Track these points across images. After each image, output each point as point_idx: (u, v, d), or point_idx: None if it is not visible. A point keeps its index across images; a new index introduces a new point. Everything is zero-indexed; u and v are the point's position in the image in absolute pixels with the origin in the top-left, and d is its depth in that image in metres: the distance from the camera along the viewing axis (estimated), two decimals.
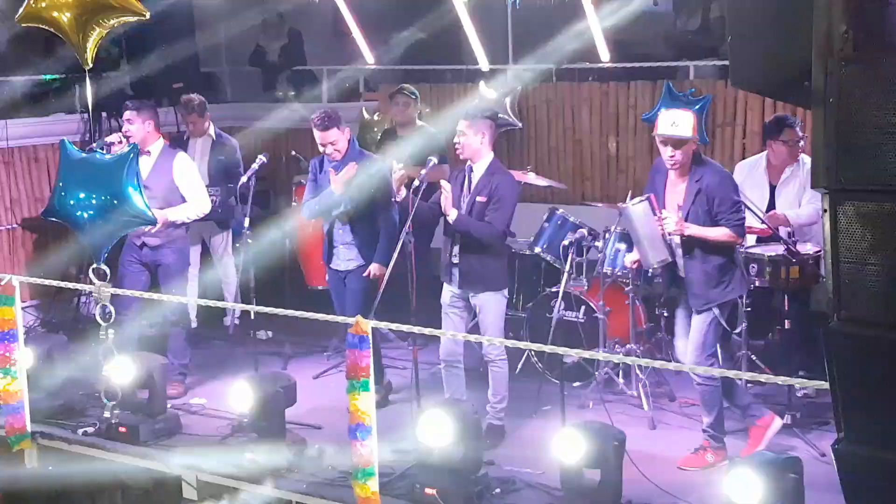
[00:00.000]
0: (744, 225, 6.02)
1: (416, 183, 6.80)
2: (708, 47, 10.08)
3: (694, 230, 5.87)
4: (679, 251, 6.02)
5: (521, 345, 6.63)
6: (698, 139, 6.10)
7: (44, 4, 5.97)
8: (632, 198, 6.47)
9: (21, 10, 6.17)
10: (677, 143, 5.86)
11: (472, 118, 6.56)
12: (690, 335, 6.05)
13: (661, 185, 6.10)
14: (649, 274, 7.11)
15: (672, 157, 5.90)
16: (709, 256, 5.93)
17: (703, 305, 5.96)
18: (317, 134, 6.95)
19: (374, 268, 6.97)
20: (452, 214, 6.42)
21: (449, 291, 6.62)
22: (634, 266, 6.64)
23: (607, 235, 7.42)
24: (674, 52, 10.50)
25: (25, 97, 9.60)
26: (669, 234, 5.93)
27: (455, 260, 6.52)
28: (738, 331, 6.75)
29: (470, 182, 6.59)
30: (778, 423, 6.11)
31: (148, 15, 6.20)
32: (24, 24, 6.31)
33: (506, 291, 6.60)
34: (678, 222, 5.86)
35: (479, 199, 6.48)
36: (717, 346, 6.22)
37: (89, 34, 6.11)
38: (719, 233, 5.88)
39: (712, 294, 5.94)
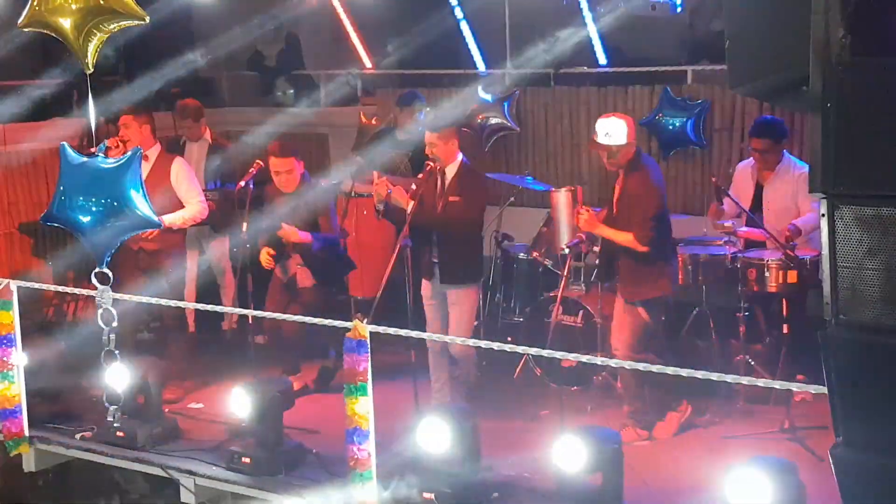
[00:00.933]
0: (649, 234, 6.26)
1: (414, 187, 6.83)
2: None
3: (603, 230, 6.43)
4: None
5: (520, 349, 6.61)
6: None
7: (45, 9, 5.97)
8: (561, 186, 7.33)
9: (24, 16, 6.17)
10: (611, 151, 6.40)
11: (438, 128, 6.84)
12: (617, 329, 6.50)
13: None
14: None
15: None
16: (629, 255, 6.35)
17: (628, 300, 6.40)
18: (273, 161, 7.06)
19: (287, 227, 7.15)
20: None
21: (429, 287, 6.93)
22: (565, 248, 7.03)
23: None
24: (680, 56, 10.51)
25: (23, 102, 9.60)
26: (581, 229, 6.53)
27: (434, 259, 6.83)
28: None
29: (443, 184, 6.78)
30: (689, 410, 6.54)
31: (147, 19, 6.19)
32: (25, 30, 6.30)
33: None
34: (590, 220, 6.38)
35: (451, 199, 6.72)
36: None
37: (90, 39, 6.11)
38: (624, 237, 6.31)
39: (636, 292, 6.37)
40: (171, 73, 9.36)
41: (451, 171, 6.78)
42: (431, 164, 6.86)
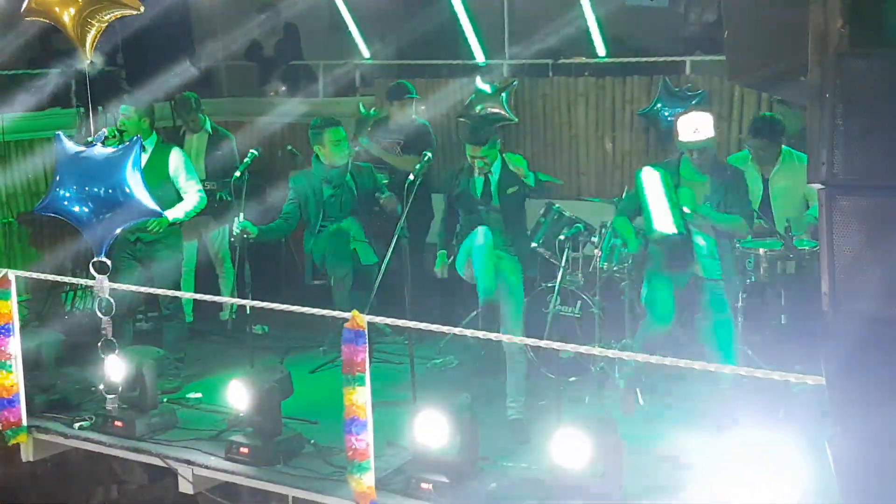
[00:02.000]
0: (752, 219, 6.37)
1: (412, 177, 6.83)
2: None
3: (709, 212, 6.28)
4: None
5: (517, 339, 6.62)
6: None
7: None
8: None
9: (24, 5, 6.17)
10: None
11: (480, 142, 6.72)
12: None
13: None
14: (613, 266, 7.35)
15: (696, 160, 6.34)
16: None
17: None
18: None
19: None
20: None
21: None
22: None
23: (603, 231, 7.42)
24: (678, 46, 10.48)
25: (21, 91, 9.58)
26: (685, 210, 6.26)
27: None
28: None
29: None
30: None
31: (143, 9, 6.19)
32: (26, 19, 6.31)
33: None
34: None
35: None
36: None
37: (87, 29, 6.11)
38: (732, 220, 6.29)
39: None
40: (169, 62, 9.34)
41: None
42: (429, 155, 6.88)
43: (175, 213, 7.36)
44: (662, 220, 6.29)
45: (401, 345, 7.65)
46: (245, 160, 7.65)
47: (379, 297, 6.83)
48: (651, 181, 6.38)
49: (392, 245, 6.77)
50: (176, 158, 7.49)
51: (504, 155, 6.75)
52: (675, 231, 6.28)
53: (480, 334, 6.04)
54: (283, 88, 11.34)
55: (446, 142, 9.62)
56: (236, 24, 11.14)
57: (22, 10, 6.29)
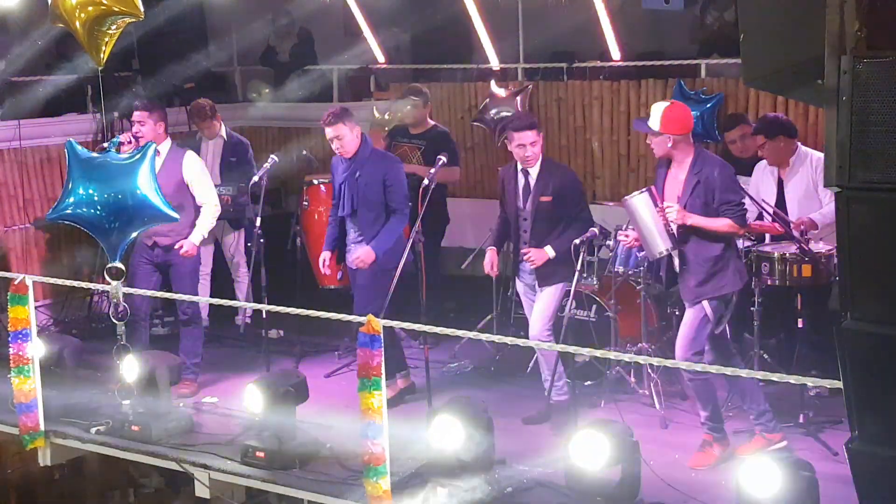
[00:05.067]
0: (745, 216, 6.08)
1: (426, 182, 6.84)
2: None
3: (696, 220, 5.94)
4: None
5: (532, 343, 6.63)
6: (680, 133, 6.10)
7: (61, 9, 6.05)
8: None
9: (50, 11, 6.24)
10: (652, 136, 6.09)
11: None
12: (680, 329, 6.13)
13: (661, 178, 6.21)
14: (628, 270, 7.24)
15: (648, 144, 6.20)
16: (702, 250, 6.00)
17: (693, 299, 6.03)
18: (326, 131, 6.99)
19: (362, 252, 6.98)
20: None
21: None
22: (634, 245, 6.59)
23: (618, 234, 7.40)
24: (693, 49, 10.47)
25: (38, 97, 9.63)
26: (673, 223, 5.98)
27: None
28: (721, 328, 6.72)
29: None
30: (783, 443, 6.09)
31: (143, 16, 6.21)
32: (53, 25, 6.38)
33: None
34: (680, 211, 5.94)
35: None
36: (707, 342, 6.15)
37: (97, 37, 6.15)
38: (721, 223, 5.95)
39: (704, 288, 6.00)
40: (184, 68, 9.38)
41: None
42: (443, 159, 6.86)
43: (199, 234, 7.42)
44: None
45: (416, 349, 7.66)
46: (265, 165, 7.66)
47: (394, 302, 6.84)
48: None
49: (407, 249, 6.77)
50: (190, 162, 7.51)
51: None
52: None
53: (496, 338, 6.05)
54: (267, 91, 11.34)
55: (462, 146, 9.62)
56: (251, 29, 11.16)
57: (48, 16, 6.36)
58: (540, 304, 6.74)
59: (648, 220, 6.02)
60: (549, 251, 6.63)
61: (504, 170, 6.94)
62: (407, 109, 8.59)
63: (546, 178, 6.66)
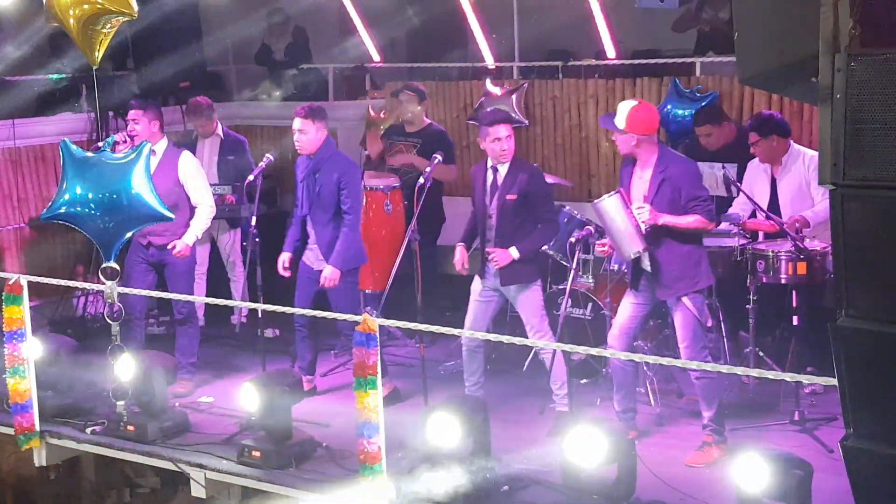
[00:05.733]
0: (713, 211, 6.11)
1: (422, 180, 6.84)
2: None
3: (668, 219, 5.97)
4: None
5: (528, 342, 6.63)
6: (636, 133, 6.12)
7: (56, 7, 6.05)
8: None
9: (45, 11, 6.24)
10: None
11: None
12: (677, 334, 6.17)
13: (627, 178, 6.24)
14: (623, 268, 7.13)
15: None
16: (673, 248, 6.04)
17: (673, 296, 6.07)
18: (293, 121, 7.04)
19: (329, 272, 6.97)
20: None
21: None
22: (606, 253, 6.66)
23: None
24: (688, 48, 10.46)
25: (32, 97, 9.62)
26: (644, 223, 5.98)
27: None
28: (710, 324, 6.75)
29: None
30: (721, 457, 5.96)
31: (136, 14, 6.21)
32: (48, 23, 6.37)
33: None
34: (651, 211, 5.96)
35: None
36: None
37: (91, 36, 6.15)
38: (691, 220, 5.99)
39: (679, 286, 6.04)
40: (179, 67, 9.35)
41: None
42: (438, 157, 6.85)
43: (193, 234, 7.41)
44: None
45: (412, 348, 7.67)
46: (260, 163, 7.67)
47: (390, 300, 6.84)
48: None
49: (402, 248, 6.78)
50: (185, 162, 7.50)
51: None
52: None
53: (492, 337, 6.05)
54: (277, 93, 11.35)
55: (457, 144, 9.61)
56: (246, 28, 11.15)
57: (44, 15, 6.36)
58: (526, 313, 6.69)
59: (620, 222, 5.99)
60: (513, 252, 6.56)
61: (476, 167, 6.92)
62: (404, 104, 8.59)
63: (513, 177, 6.63)
